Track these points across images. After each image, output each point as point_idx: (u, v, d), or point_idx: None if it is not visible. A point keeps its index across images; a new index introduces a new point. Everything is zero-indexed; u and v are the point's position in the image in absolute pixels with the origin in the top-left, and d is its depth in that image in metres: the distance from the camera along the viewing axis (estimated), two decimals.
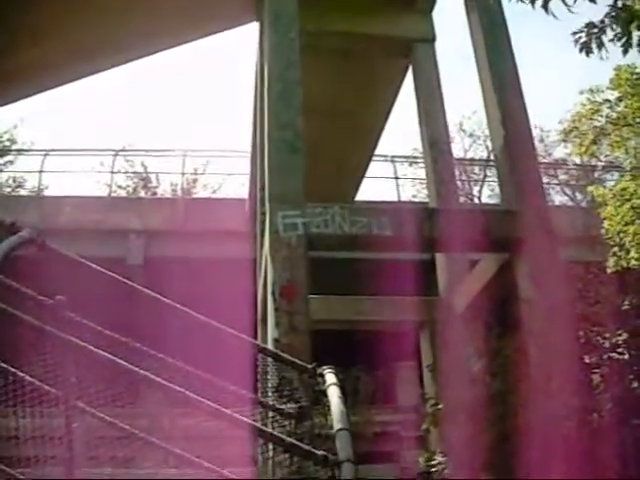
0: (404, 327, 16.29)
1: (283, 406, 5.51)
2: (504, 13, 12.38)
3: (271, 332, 9.76)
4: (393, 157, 25.67)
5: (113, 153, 26.98)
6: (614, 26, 6.63)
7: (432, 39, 14.99)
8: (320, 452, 4.15)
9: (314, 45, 13.29)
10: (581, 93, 15.00)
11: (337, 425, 4.46)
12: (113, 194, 27.71)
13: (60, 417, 5.02)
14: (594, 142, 14.89)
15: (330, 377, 5.30)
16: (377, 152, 20.27)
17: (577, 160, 27.10)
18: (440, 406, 8.45)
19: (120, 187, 32.48)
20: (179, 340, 5.54)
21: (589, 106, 14.78)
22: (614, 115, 14.49)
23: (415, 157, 28.12)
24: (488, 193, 33.49)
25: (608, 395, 7.97)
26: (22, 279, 4.93)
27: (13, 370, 4.65)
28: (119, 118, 53.11)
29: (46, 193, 25.57)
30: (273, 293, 9.81)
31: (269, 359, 5.97)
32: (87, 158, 27.00)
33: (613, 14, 6.56)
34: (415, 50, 14.84)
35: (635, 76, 13.62)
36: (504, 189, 12.02)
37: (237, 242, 18.76)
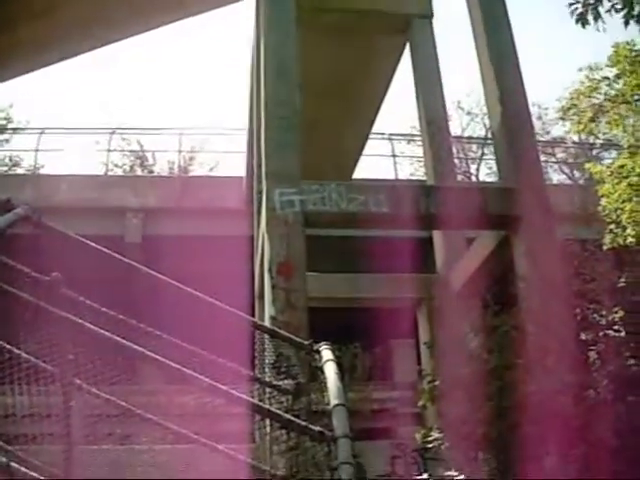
0: (401, 304, 16.33)
1: (280, 382, 5.52)
2: None
3: (268, 309, 9.78)
4: (391, 135, 25.62)
5: (109, 131, 26.87)
6: None
7: (430, 15, 14.92)
8: (317, 428, 4.16)
9: (311, 22, 13.24)
10: (580, 70, 14.94)
11: (334, 401, 4.46)
12: (110, 172, 27.63)
13: (57, 394, 5.03)
14: (592, 120, 14.83)
15: (327, 354, 5.30)
16: (374, 130, 20.23)
17: (575, 138, 27.03)
18: (437, 382, 8.48)
19: (117, 166, 32.37)
20: (177, 318, 5.54)
21: (588, 83, 14.71)
22: (612, 92, 14.43)
23: (413, 135, 28.04)
24: (486, 171, 33.45)
25: (604, 372, 7.99)
26: (18, 256, 4.91)
27: (9, 347, 4.65)
28: (115, 96, 52.90)
29: (42, 172, 25.49)
30: (270, 270, 9.82)
31: (266, 336, 5.97)
32: (83, 137, 26.83)
33: None
34: (413, 26, 14.77)
35: (634, 53, 13.55)
36: (502, 167, 12.01)
37: (234, 220, 18.76)
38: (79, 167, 32.95)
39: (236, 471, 5.30)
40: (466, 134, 35.38)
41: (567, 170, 32.97)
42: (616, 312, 8.74)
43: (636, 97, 14.21)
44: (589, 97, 14.91)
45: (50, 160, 32.58)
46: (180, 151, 29.17)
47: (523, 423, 7.13)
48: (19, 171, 30.05)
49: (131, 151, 32.99)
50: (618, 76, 14.20)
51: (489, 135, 30.74)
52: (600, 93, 14.81)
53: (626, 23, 6.72)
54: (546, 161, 29.84)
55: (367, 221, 11.16)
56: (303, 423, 4.26)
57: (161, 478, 5.98)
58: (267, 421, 4.87)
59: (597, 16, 6.64)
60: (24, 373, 4.40)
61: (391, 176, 24.71)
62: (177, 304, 5.85)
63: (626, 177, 13.56)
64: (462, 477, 7.31)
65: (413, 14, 14.86)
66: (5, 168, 31.32)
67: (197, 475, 5.89)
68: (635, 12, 6.59)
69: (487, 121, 31.56)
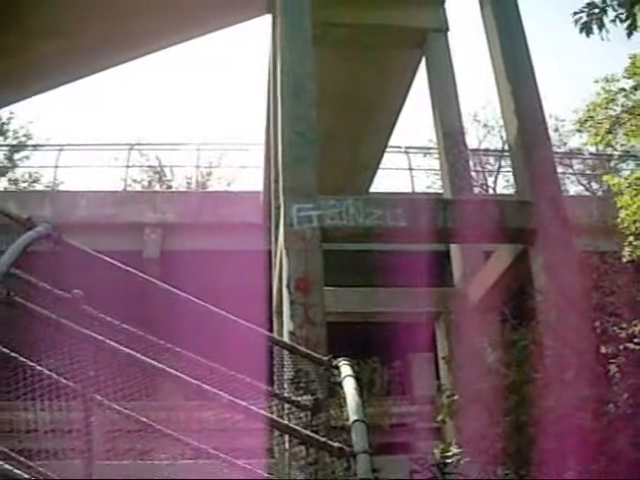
0: (419, 318, 16.28)
1: (299, 398, 5.53)
2: (517, 2, 12.32)
3: (287, 324, 9.79)
4: (407, 148, 25.63)
5: (128, 147, 27.07)
6: (615, 6, 6.57)
7: (445, 29, 14.97)
8: (336, 444, 4.17)
9: (327, 36, 13.33)
10: (596, 82, 14.90)
11: (353, 417, 4.47)
12: (128, 188, 27.81)
13: (78, 410, 5.07)
14: (609, 131, 14.77)
15: (346, 369, 5.31)
16: (391, 143, 20.25)
17: (592, 149, 26.93)
18: (456, 397, 8.45)
19: (135, 181, 32.60)
20: (195, 333, 5.58)
21: (604, 95, 14.67)
22: (630, 104, 14.38)
23: (429, 148, 28.04)
24: (503, 184, 33.37)
25: (624, 385, 7.93)
26: (39, 274, 4.97)
27: (31, 364, 4.69)
28: (133, 112, 53.29)
29: (61, 188, 25.70)
30: (288, 286, 9.84)
31: (285, 351, 5.98)
32: (102, 153, 27.08)
33: None
34: (429, 40, 14.83)
35: None
36: (519, 179, 11.98)
37: (252, 235, 18.81)
38: (98, 183, 33.22)
39: None
40: (483, 146, 35.36)
41: (585, 182, 32.84)
42: (636, 325, 8.68)
43: None
44: (606, 109, 14.87)
45: (69, 176, 32.93)
46: (198, 166, 29.31)
47: (542, 438, 7.09)
48: (38, 187, 30.36)
49: (149, 166, 33.23)
50: (635, 87, 14.16)
51: (506, 147, 30.75)
52: (617, 105, 14.77)
53: (629, 34, 6.72)
54: (563, 173, 29.75)
55: (385, 235, 11.16)
56: (322, 439, 4.27)
57: None
58: (286, 437, 4.89)
59: (601, 26, 6.64)
60: (46, 389, 4.43)
61: (408, 189, 24.71)
62: (196, 320, 5.88)
63: None
64: None
65: (429, 28, 14.92)
66: (25, 184, 31.65)
67: None
68: (639, 23, 6.59)
69: (504, 133, 31.57)
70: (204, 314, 5.76)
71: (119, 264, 5.58)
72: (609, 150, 22.62)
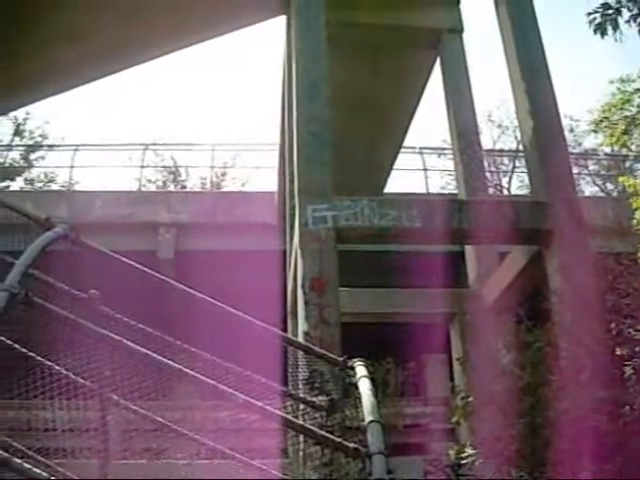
0: (434, 319, 16.26)
1: (314, 399, 5.54)
2: (533, 1, 12.28)
3: (301, 325, 9.81)
4: (421, 149, 25.59)
5: (142, 147, 27.16)
6: (631, 6, 6.55)
7: (460, 30, 14.95)
8: (351, 444, 4.18)
9: (341, 37, 13.31)
10: (611, 82, 14.86)
11: (368, 417, 4.48)
12: (143, 188, 27.90)
13: (95, 409, 5.11)
14: (625, 132, 14.73)
15: (361, 370, 5.33)
16: (405, 144, 20.23)
17: (607, 150, 26.82)
18: (470, 398, 8.42)
19: (150, 181, 32.72)
20: (211, 333, 5.60)
21: (619, 96, 14.62)
22: None
23: (443, 148, 27.99)
24: (517, 184, 33.28)
25: None
26: (56, 274, 5.01)
27: (49, 363, 4.73)
28: (148, 113, 53.47)
29: (77, 188, 25.83)
30: (303, 286, 9.86)
31: (299, 352, 6.00)
32: (117, 153, 27.15)
33: None
34: (443, 41, 14.82)
35: None
36: (534, 180, 11.95)
37: (266, 235, 18.84)
38: (113, 183, 33.35)
39: None
40: (497, 147, 35.26)
41: (600, 183, 32.69)
42: None
43: None
44: (621, 109, 14.82)
45: (84, 176, 33.08)
46: (212, 166, 29.39)
47: (557, 440, 7.07)
48: (54, 187, 30.52)
49: (164, 166, 33.34)
50: None
51: (521, 147, 30.64)
52: (633, 105, 14.72)
53: None
54: (578, 173, 29.60)
55: (399, 236, 11.15)
56: (338, 439, 4.28)
57: None
58: (301, 437, 4.90)
59: (615, 27, 6.62)
60: (63, 389, 4.47)
61: (422, 190, 24.68)
62: (211, 320, 5.91)
63: None
64: None
65: (443, 28, 14.91)
66: (41, 184, 31.84)
67: None
68: None
69: (518, 133, 31.47)
70: (219, 314, 5.79)
71: (135, 264, 5.61)
72: (624, 151, 22.53)
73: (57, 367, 4.73)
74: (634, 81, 14.53)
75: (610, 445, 6.97)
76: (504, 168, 34.09)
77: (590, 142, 31.54)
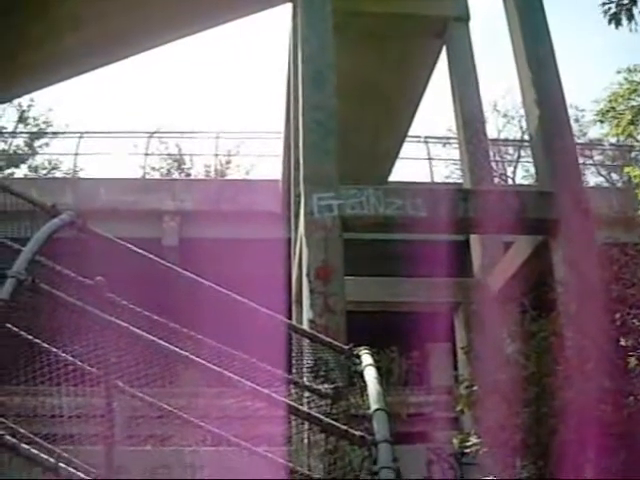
0: (438, 308, 16.27)
1: (319, 386, 5.55)
2: None
3: (306, 313, 9.82)
4: (426, 138, 25.53)
5: (147, 135, 27.15)
6: None
7: (466, 18, 14.89)
8: (357, 432, 4.18)
9: (347, 25, 13.26)
10: (618, 72, 14.78)
11: (374, 405, 4.48)
12: (147, 176, 27.89)
13: (100, 396, 5.13)
14: (631, 122, 14.66)
15: (366, 358, 5.32)
16: (410, 133, 20.18)
17: (612, 140, 26.73)
18: (474, 387, 8.43)
19: (154, 169, 32.71)
20: (217, 321, 5.60)
21: (626, 86, 14.55)
22: None
23: (448, 138, 27.95)
24: (522, 174, 33.22)
25: None
26: (63, 261, 5.01)
27: (55, 350, 4.74)
28: (153, 101, 53.41)
29: (81, 175, 25.84)
30: (308, 274, 9.87)
31: (305, 340, 6.00)
32: (121, 140, 27.17)
33: None
34: (449, 30, 14.76)
35: None
36: (539, 170, 11.92)
37: (271, 223, 18.84)
38: (117, 170, 33.36)
39: (274, 473, 5.35)
40: (502, 136, 35.19)
41: (604, 173, 32.61)
42: None
43: None
44: (628, 99, 14.75)
45: (89, 163, 33.10)
46: (217, 154, 29.37)
47: (562, 429, 7.07)
48: (58, 174, 30.54)
49: (168, 154, 33.33)
50: None
51: (526, 137, 30.55)
52: (639, 95, 14.65)
53: None
54: (583, 164, 29.52)
55: (405, 225, 11.15)
56: (343, 427, 4.28)
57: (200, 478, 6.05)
58: (306, 425, 4.90)
59: (630, 16, 6.58)
60: (69, 375, 4.47)
61: (427, 179, 24.63)
62: (217, 308, 5.91)
63: None
64: None
65: (449, 17, 14.84)
66: (45, 171, 31.86)
67: (236, 476, 5.95)
68: None
69: (524, 123, 31.39)
70: (225, 302, 5.79)
71: (142, 251, 5.62)
72: (630, 141, 22.46)
73: (63, 354, 4.74)
74: None
75: (615, 436, 6.97)
76: (509, 158, 34.00)
77: (595, 132, 31.48)
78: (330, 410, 5.27)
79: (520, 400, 7.58)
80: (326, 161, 10.70)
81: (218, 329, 5.57)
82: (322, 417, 4.46)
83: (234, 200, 20.58)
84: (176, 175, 33.64)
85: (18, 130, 34.22)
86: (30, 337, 4.81)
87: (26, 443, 3.56)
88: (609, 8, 6.59)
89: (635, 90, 14.58)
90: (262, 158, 29.48)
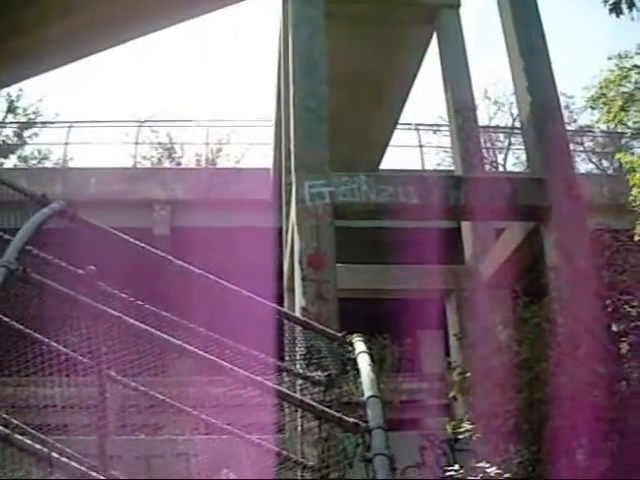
0: (430, 295, 16.29)
1: (312, 374, 5.55)
2: None
3: (299, 301, 9.81)
4: (417, 125, 25.48)
5: (137, 124, 27.01)
6: None
7: (457, 5, 14.85)
8: (351, 419, 4.18)
9: (338, 12, 13.20)
10: (609, 59, 14.77)
11: (368, 392, 4.49)
12: (138, 165, 27.78)
13: (92, 386, 5.10)
14: (622, 109, 14.65)
15: (360, 345, 5.33)
16: (401, 120, 20.14)
17: (603, 127, 26.74)
18: (467, 374, 8.45)
19: (145, 158, 32.59)
20: (209, 309, 5.58)
21: (617, 72, 14.54)
22: None
23: (439, 125, 27.91)
24: (513, 161, 33.24)
25: (636, 364, 7.92)
26: (53, 251, 4.98)
27: (47, 340, 4.72)
28: (143, 89, 53.18)
29: (71, 165, 25.70)
30: (300, 262, 9.86)
31: (298, 328, 5.99)
32: (111, 129, 27.03)
33: None
34: (440, 16, 14.72)
35: None
36: (531, 157, 11.93)
37: (262, 212, 18.79)
38: (107, 160, 33.22)
39: (268, 461, 5.36)
40: (493, 124, 35.17)
41: (595, 160, 32.65)
42: None
43: None
44: (619, 86, 14.74)
45: (79, 153, 32.95)
46: (207, 143, 29.27)
47: (554, 415, 7.09)
48: (48, 164, 30.37)
49: (159, 143, 33.21)
50: None
51: (517, 124, 30.57)
52: (630, 82, 14.64)
53: None
54: (574, 150, 29.53)
55: (396, 212, 11.15)
56: (337, 414, 4.28)
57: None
58: (299, 412, 4.91)
59: (631, 5, 6.55)
60: (61, 365, 4.46)
61: (418, 166, 24.61)
62: (209, 296, 5.89)
63: None
64: (493, 469, 7.28)
65: (440, 4, 14.79)
66: (35, 162, 31.69)
67: (230, 464, 5.95)
68: None
69: (514, 110, 31.38)
70: (217, 290, 5.77)
71: (133, 240, 5.59)
72: (620, 128, 22.49)
73: (55, 344, 4.72)
74: (632, 57, 14.44)
75: (607, 421, 6.99)
76: (500, 145, 34.00)
77: (585, 119, 31.50)
78: (323, 397, 5.27)
79: (513, 386, 7.59)
80: (317, 148, 10.66)
81: (210, 317, 5.56)
82: (316, 404, 4.46)
83: (225, 189, 20.51)
84: (167, 164, 33.53)
85: (7, 120, 34.02)
86: (22, 327, 4.78)
87: (19, 433, 3.54)
88: None
89: (626, 76, 14.57)
90: (253, 146, 29.40)
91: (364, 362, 4.97)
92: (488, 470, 7.30)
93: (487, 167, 28.70)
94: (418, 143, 25.11)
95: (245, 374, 4.21)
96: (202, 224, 19.72)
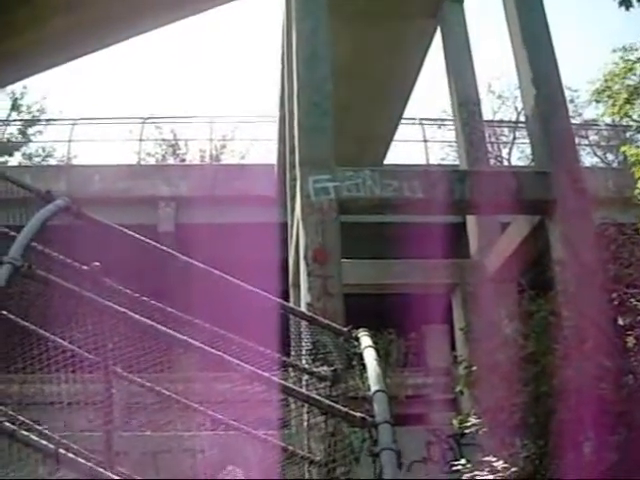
0: (435, 290, 16.27)
1: (318, 369, 5.53)
2: None
3: (304, 296, 9.80)
4: (421, 120, 25.42)
5: (141, 121, 26.98)
6: None
7: None
8: (358, 414, 4.17)
9: (341, 7, 13.17)
10: (614, 51, 14.72)
11: (374, 387, 4.46)
12: (142, 162, 27.76)
13: (98, 382, 5.10)
14: (627, 101, 14.61)
15: (366, 340, 5.30)
16: (405, 115, 20.10)
17: (608, 120, 26.66)
18: (474, 368, 8.43)
19: (149, 155, 32.57)
20: (215, 305, 5.57)
21: (622, 65, 14.49)
22: None
23: (443, 119, 27.83)
24: (518, 155, 33.16)
25: None
26: (58, 248, 4.98)
27: (53, 337, 4.71)
28: (147, 86, 53.18)
29: (75, 162, 25.70)
30: (305, 257, 9.84)
31: (303, 322, 5.98)
32: (115, 126, 26.98)
33: None
34: (443, 9, 14.69)
35: None
36: (536, 150, 11.89)
37: (267, 207, 18.80)
38: (112, 157, 33.21)
39: (274, 456, 5.35)
40: (497, 118, 35.08)
41: (600, 153, 32.55)
42: None
43: None
44: (624, 79, 14.70)
45: (83, 150, 32.96)
46: (211, 139, 29.25)
47: (561, 408, 7.08)
48: (52, 161, 30.39)
49: (163, 140, 33.20)
50: None
51: (521, 118, 30.47)
52: (635, 75, 14.60)
53: None
54: (579, 144, 29.44)
55: (401, 207, 11.13)
56: (344, 409, 4.26)
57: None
58: (305, 407, 4.89)
59: None
60: (68, 361, 4.45)
61: (422, 161, 24.55)
62: (215, 292, 5.88)
63: None
64: (500, 463, 7.27)
65: None
66: (39, 159, 31.72)
67: (236, 460, 5.95)
68: None
69: (518, 104, 31.31)
70: (223, 285, 5.76)
71: (139, 236, 5.58)
72: (625, 121, 22.42)
73: (60, 340, 4.71)
74: (637, 50, 14.39)
75: (614, 415, 6.98)
76: (504, 139, 33.91)
77: (590, 113, 31.42)
78: (329, 392, 5.25)
79: (519, 380, 7.58)
80: (322, 142, 10.64)
81: (216, 313, 5.55)
82: (322, 399, 4.44)
83: (230, 185, 20.50)
84: (171, 161, 33.51)
85: (11, 118, 34.05)
86: (27, 324, 4.78)
87: (25, 430, 3.54)
88: None
89: (631, 69, 14.53)
90: (257, 142, 29.35)
91: (370, 357, 4.94)
92: (495, 464, 7.30)
93: (492, 161, 28.65)
94: (422, 138, 25.06)
95: (251, 369, 4.20)
96: (207, 220, 19.71)
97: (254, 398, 4.76)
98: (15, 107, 34.37)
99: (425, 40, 16.02)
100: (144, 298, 5.25)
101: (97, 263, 5.05)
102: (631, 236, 10.19)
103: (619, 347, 7.99)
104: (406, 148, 38.00)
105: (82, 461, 3.37)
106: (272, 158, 20.77)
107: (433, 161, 26.39)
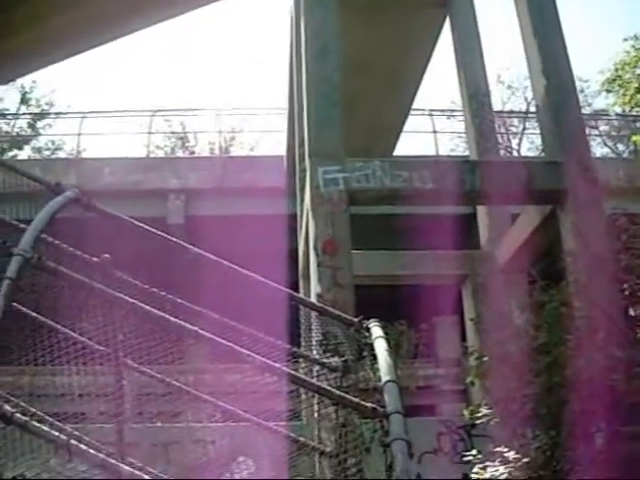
0: (446, 281, 16.24)
1: (329, 360, 5.53)
2: None
3: (314, 287, 9.80)
4: (431, 110, 25.33)
5: (150, 114, 26.99)
6: None
7: None
8: (369, 404, 4.16)
9: None
10: (625, 40, 14.63)
11: (385, 377, 4.45)
12: (151, 154, 27.78)
13: (109, 373, 5.11)
14: (638, 91, 14.53)
15: (376, 330, 5.29)
16: (414, 106, 20.03)
17: (618, 110, 26.54)
18: (485, 359, 8.41)
19: (158, 147, 32.60)
20: (225, 296, 5.57)
21: (633, 53, 14.41)
22: None
23: (453, 110, 27.73)
24: (527, 146, 33.04)
25: None
26: (68, 240, 4.98)
27: (63, 328, 4.72)
28: (156, 79, 53.20)
29: (84, 155, 25.74)
30: (315, 249, 9.83)
31: (313, 313, 5.97)
32: (125, 119, 27.02)
33: None
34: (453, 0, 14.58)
35: None
36: (546, 140, 11.83)
37: (276, 199, 18.78)
38: (121, 150, 33.28)
39: (285, 447, 5.36)
40: (507, 108, 34.95)
41: (610, 144, 32.41)
42: None
43: None
44: (634, 67, 14.62)
45: (92, 143, 33.03)
46: (220, 132, 29.26)
47: (573, 399, 7.06)
48: (61, 155, 30.45)
49: (172, 132, 33.22)
50: None
51: (531, 109, 30.35)
52: None
53: None
54: (589, 134, 29.29)
55: (411, 198, 11.10)
56: (355, 399, 4.26)
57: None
58: (316, 398, 4.89)
59: None
60: (79, 353, 4.46)
61: (432, 152, 24.49)
62: (226, 283, 5.88)
63: None
64: (512, 453, 7.26)
65: None
66: (48, 152, 31.80)
67: (247, 450, 5.96)
68: None
69: (528, 94, 31.16)
70: (233, 277, 5.76)
71: (150, 228, 5.58)
72: (636, 111, 22.30)
73: (71, 332, 4.72)
74: None
75: (626, 406, 6.96)
76: (514, 130, 33.80)
77: (600, 103, 31.24)
78: (340, 383, 5.25)
79: (530, 370, 7.56)
80: (331, 134, 10.62)
81: (226, 304, 5.55)
82: (333, 390, 4.44)
83: (239, 177, 20.48)
84: (180, 153, 33.54)
85: (21, 111, 34.14)
86: (37, 315, 4.79)
87: (37, 421, 3.54)
88: None
89: None
90: (267, 134, 29.32)
91: (381, 347, 4.93)
92: (506, 455, 7.29)
93: (502, 152, 28.55)
94: (432, 129, 24.98)
95: (262, 360, 4.19)
96: (216, 212, 19.69)
97: (265, 389, 4.76)
98: (24, 101, 34.46)
99: (434, 30, 15.93)
100: (154, 290, 5.25)
101: (107, 255, 5.06)
102: None
103: (630, 338, 7.97)
104: (416, 139, 37.91)
105: (94, 452, 3.38)
106: (281, 150, 20.74)
107: (443, 152, 26.34)
